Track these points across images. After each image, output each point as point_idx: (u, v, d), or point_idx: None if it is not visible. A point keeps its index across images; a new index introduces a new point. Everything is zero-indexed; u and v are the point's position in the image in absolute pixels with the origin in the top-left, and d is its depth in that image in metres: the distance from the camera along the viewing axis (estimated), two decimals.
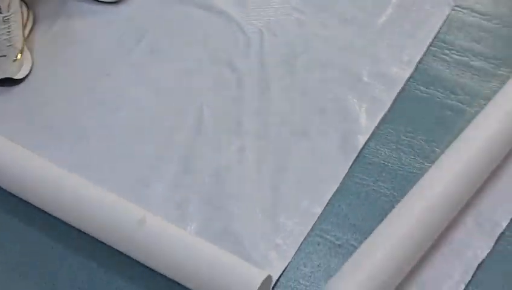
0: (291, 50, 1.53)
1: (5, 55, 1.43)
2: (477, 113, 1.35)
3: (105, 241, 1.20)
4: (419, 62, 1.50)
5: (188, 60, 1.51)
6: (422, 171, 1.28)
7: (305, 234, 1.24)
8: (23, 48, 1.47)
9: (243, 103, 1.43)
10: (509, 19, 1.58)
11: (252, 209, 1.27)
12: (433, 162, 1.28)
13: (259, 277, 1.10)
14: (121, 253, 1.20)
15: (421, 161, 1.34)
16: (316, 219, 1.26)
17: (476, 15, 1.60)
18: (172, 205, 1.28)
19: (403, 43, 1.53)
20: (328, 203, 1.28)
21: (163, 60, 1.51)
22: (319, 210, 1.27)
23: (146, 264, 1.18)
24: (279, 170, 1.32)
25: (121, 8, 1.61)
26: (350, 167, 1.33)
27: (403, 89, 1.45)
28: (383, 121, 1.40)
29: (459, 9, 1.61)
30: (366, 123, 1.38)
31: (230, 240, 1.22)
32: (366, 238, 1.16)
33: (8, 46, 1.43)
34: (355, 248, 1.18)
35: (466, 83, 1.46)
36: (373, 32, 1.55)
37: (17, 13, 1.46)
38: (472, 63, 1.50)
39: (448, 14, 1.59)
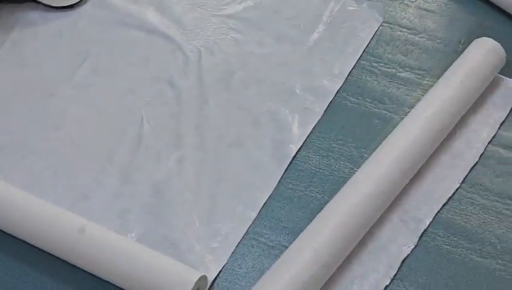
0: (228, 68, 1.60)
1: None
2: (402, 117, 1.44)
3: (48, 251, 1.25)
4: (349, 75, 1.58)
5: (129, 80, 1.57)
6: (351, 176, 1.36)
7: (240, 237, 1.30)
8: None
9: (182, 118, 1.49)
10: (434, 33, 1.68)
11: (189, 217, 1.33)
12: (358, 165, 1.36)
13: (194, 276, 1.16)
14: (63, 261, 1.25)
15: (350, 166, 1.41)
16: (251, 222, 1.32)
17: (404, 30, 1.69)
18: (114, 215, 1.33)
19: (333, 57, 1.61)
20: (262, 208, 1.34)
21: (105, 80, 1.57)
22: (253, 214, 1.33)
23: (88, 270, 1.23)
24: (216, 180, 1.39)
25: (64, 31, 1.67)
26: (283, 174, 1.40)
27: (333, 100, 1.53)
28: (314, 130, 1.47)
29: (387, 24, 1.70)
30: (298, 133, 1.46)
31: (169, 246, 1.28)
32: None
33: None
34: (287, 248, 1.24)
35: (393, 92, 1.55)
36: (306, 49, 1.63)
37: None
38: (399, 74, 1.59)
39: (377, 30, 1.68)
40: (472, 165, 1.41)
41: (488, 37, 1.56)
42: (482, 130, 1.46)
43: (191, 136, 1.46)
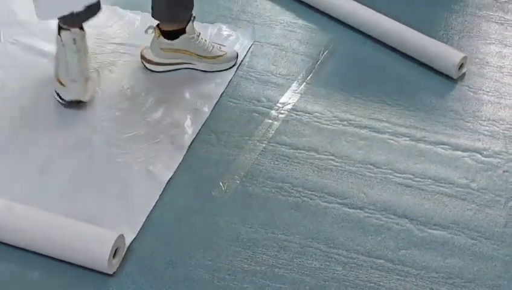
0: (126, 82, 1.84)
1: (75, 81, 1.70)
2: (278, 113, 1.73)
3: None
4: (230, 82, 1.86)
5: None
6: (238, 158, 1.62)
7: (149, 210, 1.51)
8: (88, 76, 1.75)
9: (89, 123, 1.71)
10: (298, 48, 2.00)
11: (105, 198, 1.53)
12: (246, 150, 1.63)
13: (112, 235, 1.36)
14: None
15: (238, 150, 1.66)
16: (156, 199, 1.54)
17: (272, 46, 2.00)
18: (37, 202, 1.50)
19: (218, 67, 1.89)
20: (165, 187, 1.56)
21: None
22: (158, 192, 1.55)
23: (21, 246, 1.39)
24: (125, 168, 1.60)
25: None
26: (181, 161, 1.63)
27: (219, 102, 1.80)
28: (205, 125, 1.73)
29: (258, 43, 2.00)
30: (191, 128, 1.71)
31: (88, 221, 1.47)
32: None
33: (78, 72, 1.71)
34: None
35: (267, 93, 1.83)
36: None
37: (85, 45, 1.73)
38: (272, 80, 1.88)
39: (250, 47, 1.98)
40: None
41: (342, 48, 1.94)
42: None
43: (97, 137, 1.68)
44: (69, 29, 1.69)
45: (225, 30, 2.04)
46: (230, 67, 1.90)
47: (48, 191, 1.53)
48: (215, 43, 1.91)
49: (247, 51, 1.97)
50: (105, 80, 1.84)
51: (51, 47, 1.83)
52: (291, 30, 2.08)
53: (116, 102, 1.78)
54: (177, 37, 1.82)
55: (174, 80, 1.86)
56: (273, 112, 1.77)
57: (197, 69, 1.87)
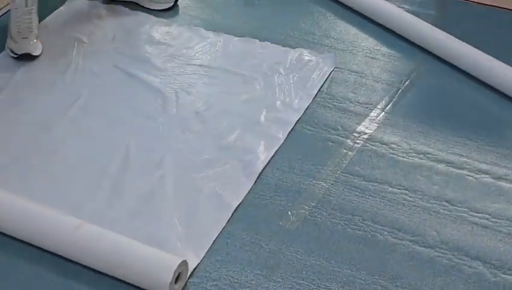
0: (202, 104, 1.85)
1: (26, 37, 1.97)
2: (354, 143, 1.70)
3: (49, 248, 1.45)
4: (307, 109, 1.84)
5: (114, 115, 1.81)
6: (309, 187, 1.60)
7: (215, 236, 1.51)
8: (38, 34, 2.01)
9: (163, 144, 1.72)
10: (379, 75, 1.96)
11: (171, 220, 1.53)
12: (318, 179, 1.61)
13: (176, 261, 1.36)
14: (62, 257, 1.44)
15: (310, 179, 1.64)
16: (225, 224, 1.53)
17: (353, 73, 1.97)
18: (105, 221, 1.53)
19: (294, 95, 1.87)
20: (233, 213, 1.56)
21: (94, 115, 1.81)
22: (226, 218, 1.54)
23: (86, 264, 1.42)
24: (195, 191, 1.60)
25: (60, 77, 1.92)
26: (251, 188, 1.62)
27: (294, 129, 1.78)
28: (278, 152, 1.71)
29: (338, 69, 1.98)
30: (264, 154, 1.69)
31: (154, 243, 1.48)
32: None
33: (29, 31, 1.97)
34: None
35: (344, 122, 1.80)
36: (270, 89, 1.89)
37: (35, 5, 1.98)
38: (350, 108, 1.85)
39: (330, 74, 1.96)
40: None
41: (425, 78, 1.89)
42: None
43: (172, 158, 1.69)
44: None
45: (306, 55, 2.03)
46: (169, 8, 2.18)
47: (117, 210, 1.55)
48: None
49: (327, 77, 1.95)
50: (183, 101, 1.86)
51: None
52: (373, 57, 2.04)
53: (191, 124, 1.79)
54: None
55: (250, 103, 1.85)
56: (349, 142, 1.74)
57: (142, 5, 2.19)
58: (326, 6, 2.26)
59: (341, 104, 1.86)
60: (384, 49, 2.08)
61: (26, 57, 1.98)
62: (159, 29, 2.12)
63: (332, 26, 2.18)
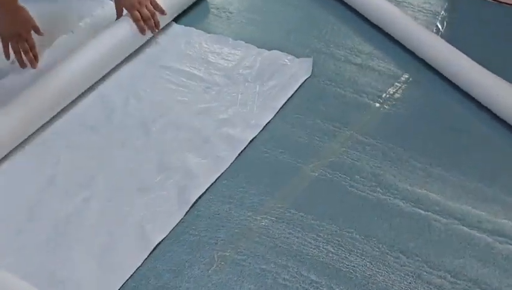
0: (152, 113, 1.65)
1: None
2: (312, 170, 1.49)
3: None
4: (267, 125, 1.62)
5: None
6: (249, 224, 1.39)
7: (130, 274, 1.33)
8: None
9: (96, 161, 1.54)
10: (360, 86, 1.71)
11: (85, 253, 1.36)
12: (259, 213, 1.42)
13: None
14: None
15: (249, 213, 1.43)
16: (142, 261, 1.35)
17: (330, 83, 1.73)
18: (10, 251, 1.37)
19: (254, 108, 1.65)
20: (156, 247, 1.37)
21: None
22: (145, 253, 1.36)
23: None
24: (116, 221, 1.42)
25: None
26: (182, 218, 1.43)
27: (246, 149, 1.56)
28: (222, 177, 1.51)
29: (315, 77, 1.74)
30: (203, 179, 1.49)
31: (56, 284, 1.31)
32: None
33: None
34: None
35: (307, 143, 1.58)
36: (231, 98, 1.68)
37: None
38: (317, 126, 1.61)
39: (303, 83, 1.72)
40: None
41: (419, 91, 1.64)
42: None
43: (103, 177, 1.51)
44: None
45: (281, 58, 1.80)
46: None
47: (26, 237, 1.39)
48: None
49: (299, 87, 1.72)
50: (131, 109, 1.67)
51: None
52: (358, 63, 1.79)
53: (134, 136, 1.61)
54: None
55: (204, 115, 1.65)
56: (306, 169, 1.52)
57: None
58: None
59: (307, 121, 1.63)
60: (374, 54, 1.82)
61: None
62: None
63: (320, 24, 1.93)
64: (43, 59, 1.78)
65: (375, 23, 1.88)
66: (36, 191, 1.49)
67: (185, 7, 1.95)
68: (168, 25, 1.90)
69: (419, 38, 1.76)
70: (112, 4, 1.87)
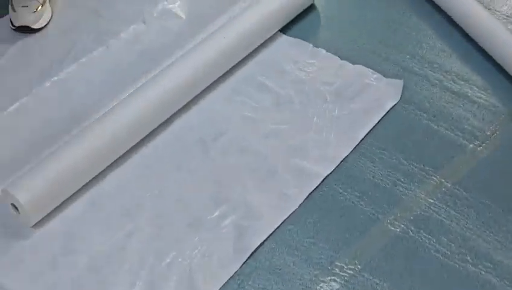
0: (213, 129, 1.45)
1: (26, 6, 1.61)
2: (392, 225, 1.28)
3: None
4: (344, 160, 1.40)
5: None
6: (313, 286, 1.19)
7: None
8: (44, 2, 1.65)
9: (146, 183, 1.35)
10: (456, 122, 1.47)
11: None
12: (327, 275, 1.21)
13: None
14: None
15: (315, 273, 1.23)
16: None
17: (422, 114, 1.49)
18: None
19: (332, 135, 1.43)
20: None
21: None
22: None
23: None
24: (162, 264, 1.24)
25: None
26: (238, 270, 1.23)
27: (318, 188, 1.35)
28: (287, 221, 1.30)
29: (403, 104, 1.50)
30: (267, 223, 1.29)
31: None
32: None
33: None
34: None
35: (388, 189, 1.35)
36: (305, 120, 1.46)
37: None
38: (401, 167, 1.39)
39: (390, 110, 1.49)
40: None
41: None
42: None
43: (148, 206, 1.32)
44: None
45: (366, 76, 1.57)
46: None
47: (59, 277, 1.22)
48: None
49: (385, 115, 1.49)
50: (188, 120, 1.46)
51: None
52: (457, 92, 1.54)
53: (190, 157, 1.41)
54: None
55: (272, 139, 1.43)
56: (387, 220, 1.30)
57: None
58: (421, 10, 1.75)
59: (391, 160, 1.40)
60: (474, 80, 1.56)
61: (25, 30, 1.63)
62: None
63: (416, 38, 1.68)
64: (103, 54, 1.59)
65: (478, 42, 1.62)
66: (74, 217, 1.30)
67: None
68: None
69: None
70: None
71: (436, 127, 1.47)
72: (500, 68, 1.57)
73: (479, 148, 1.42)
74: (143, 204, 1.32)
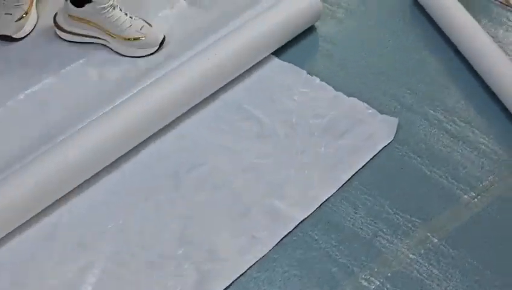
0: (191, 160, 1.36)
1: (10, 14, 1.53)
2: (367, 281, 1.18)
3: None
4: (325, 203, 1.30)
5: None
6: None
7: None
8: (28, 10, 1.55)
9: (112, 210, 1.27)
10: (454, 171, 1.36)
11: None
12: None
13: None
14: None
15: None
16: None
17: (416, 158, 1.38)
18: None
19: (315, 174, 1.33)
20: None
21: None
22: None
23: None
24: None
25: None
26: None
27: (292, 233, 1.26)
28: (253, 267, 1.21)
29: (397, 145, 1.39)
30: (231, 268, 1.19)
31: None
32: None
33: (15, 6, 1.54)
34: None
35: (367, 239, 1.25)
36: (287, 156, 1.36)
37: None
38: (386, 216, 1.29)
39: (381, 150, 1.38)
40: None
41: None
42: None
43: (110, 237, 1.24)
44: None
45: (360, 110, 1.46)
46: (151, 54, 1.55)
47: None
48: (143, 20, 1.56)
49: (375, 155, 1.38)
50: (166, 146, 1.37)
51: None
52: (457, 136, 1.43)
53: (160, 188, 1.31)
54: (82, 4, 1.50)
55: (251, 172, 1.34)
56: (360, 275, 1.20)
57: (111, 49, 1.54)
58: (429, 43, 1.63)
59: (375, 207, 1.30)
60: (476, 123, 1.44)
61: (6, 38, 1.56)
62: None
63: (419, 72, 1.56)
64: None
65: (485, 80, 1.50)
66: (25, 248, 1.22)
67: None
68: None
69: None
70: None
71: (429, 173, 1.36)
72: (507, 111, 1.45)
73: (473, 201, 1.31)
74: (103, 236, 1.24)
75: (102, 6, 1.48)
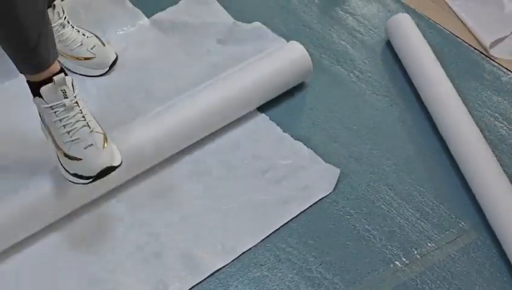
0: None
1: (91, 144, 1.18)
2: None
3: None
4: (246, 252, 1.23)
5: None
6: None
7: None
8: (105, 132, 1.21)
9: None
10: (386, 234, 1.28)
11: None
12: None
13: None
14: None
15: None
16: None
17: (351, 212, 1.31)
18: None
19: (238, 224, 1.27)
20: None
21: None
22: None
23: None
24: None
25: None
26: None
27: (208, 281, 1.19)
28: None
29: (334, 198, 1.32)
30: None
31: None
32: None
33: (89, 132, 1.19)
34: None
35: None
36: (211, 201, 1.31)
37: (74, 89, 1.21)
38: (309, 267, 1.22)
39: (316, 202, 1.31)
40: None
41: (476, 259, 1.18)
42: None
43: None
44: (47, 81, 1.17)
45: (302, 156, 1.38)
46: (101, 75, 1.49)
47: None
48: (97, 37, 1.50)
49: (309, 207, 1.31)
50: None
51: None
52: (405, 198, 1.35)
53: None
54: None
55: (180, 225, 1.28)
56: None
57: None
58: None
59: (299, 263, 1.23)
60: (433, 190, 1.36)
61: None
62: None
63: (369, 120, 1.49)
64: None
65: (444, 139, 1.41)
66: None
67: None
68: None
69: (492, 187, 1.29)
70: None
71: (363, 232, 1.28)
72: (461, 175, 1.36)
73: (403, 269, 1.23)
74: None
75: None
